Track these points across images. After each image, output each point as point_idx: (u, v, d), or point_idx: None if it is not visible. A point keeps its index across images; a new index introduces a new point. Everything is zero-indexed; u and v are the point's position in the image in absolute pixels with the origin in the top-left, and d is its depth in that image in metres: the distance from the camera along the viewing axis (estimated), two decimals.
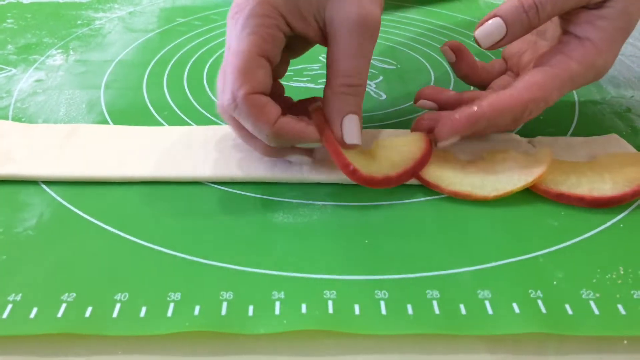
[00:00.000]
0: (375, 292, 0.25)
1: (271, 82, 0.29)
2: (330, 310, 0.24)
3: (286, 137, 0.29)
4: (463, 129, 0.31)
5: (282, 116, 0.29)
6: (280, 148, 0.30)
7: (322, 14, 0.29)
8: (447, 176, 0.31)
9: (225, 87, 0.28)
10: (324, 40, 0.30)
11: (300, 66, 0.47)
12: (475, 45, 0.31)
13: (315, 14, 0.29)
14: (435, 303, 0.24)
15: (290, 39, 0.30)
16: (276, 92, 0.33)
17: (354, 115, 0.30)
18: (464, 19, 0.59)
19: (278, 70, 0.33)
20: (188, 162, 0.32)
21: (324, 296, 0.24)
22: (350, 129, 0.29)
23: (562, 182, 0.30)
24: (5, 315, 0.23)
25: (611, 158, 0.32)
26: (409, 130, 0.36)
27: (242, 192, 0.31)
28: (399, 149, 0.31)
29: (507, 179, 0.30)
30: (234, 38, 0.28)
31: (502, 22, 0.30)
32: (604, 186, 0.30)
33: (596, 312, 0.24)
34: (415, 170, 0.31)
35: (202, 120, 0.38)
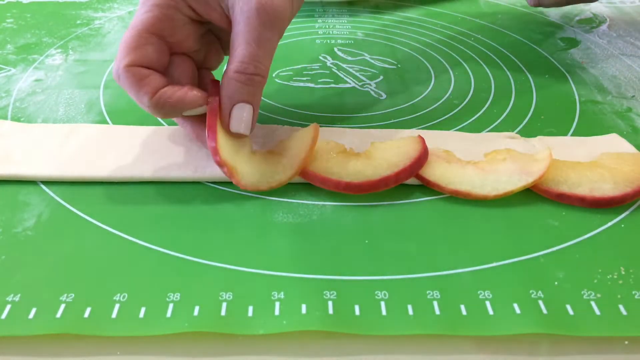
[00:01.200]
0: (376, 292, 0.25)
1: (165, 62, 0.30)
2: (331, 311, 0.24)
3: (169, 106, 0.29)
4: None
5: (166, 87, 0.29)
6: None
7: (225, 1, 0.29)
8: (447, 175, 0.31)
9: (115, 59, 0.29)
10: (230, 26, 0.30)
11: (300, 66, 0.47)
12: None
13: None
14: (435, 303, 0.24)
15: (214, 29, 0.31)
16: (202, 82, 0.33)
17: (246, 105, 0.29)
18: (464, 19, 0.59)
19: (209, 60, 0.34)
20: (185, 161, 0.32)
21: (324, 296, 0.24)
22: (238, 117, 0.29)
23: (563, 182, 0.30)
24: (4, 316, 0.23)
25: (612, 158, 0.32)
26: (404, 131, 0.36)
27: (242, 192, 0.31)
28: (395, 150, 0.31)
29: (507, 179, 0.30)
30: (135, 15, 0.30)
31: None
32: (605, 186, 0.30)
33: (597, 312, 0.24)
34: (413, 169, 0.31)
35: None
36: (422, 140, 0.32)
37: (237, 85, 0.29)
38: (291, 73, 0.45)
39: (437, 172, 0.31)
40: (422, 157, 0.31)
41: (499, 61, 0.49)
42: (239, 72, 0.29)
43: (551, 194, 0.30)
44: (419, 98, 0.42)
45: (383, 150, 0.32)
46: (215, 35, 0.34)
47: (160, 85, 0.29)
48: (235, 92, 0.29)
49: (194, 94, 0.29)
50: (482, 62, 0.49)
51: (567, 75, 0.46)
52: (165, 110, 0.29)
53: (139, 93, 0.28)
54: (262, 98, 0.41)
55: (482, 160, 0.32)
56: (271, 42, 0.29)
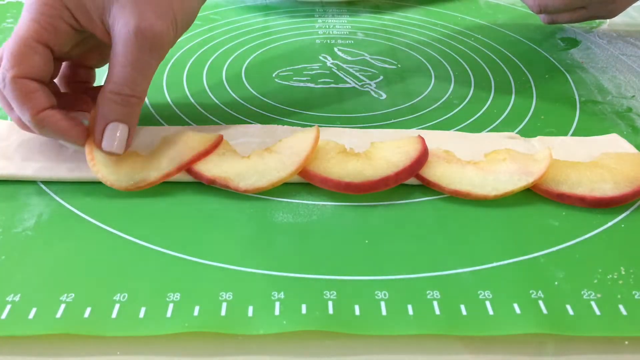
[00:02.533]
0: (376, 292, 0.25)
1: (51, 71, 0.29)
2: (331, 311, 0.24)
3: (49, 130, 0.29)
4: None
5: (52, 109, 0.29)
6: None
7: (106, 18, 0.29)
8: (447, 175, 0.31)
9: (1, 65, 0.29)
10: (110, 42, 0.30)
11: (300, 66, 0.47)
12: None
13: (100, 15, 0.29)
14: (435, 303, 0.24)
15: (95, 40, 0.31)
16: (78, 79, 0.34)
17: (120, 124, 0.29)
18: (464, 19, 0.59)
19: (90, 59, 0.34)
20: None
21: (324, 296, 0.24)
22: (110, 137, 0.29)
23: (563, 182, 0.30)
24: (4, 316, 0.23)
25: (612, 158, 0.32)
26: (404, 131, 0.36)
27: (242, 193, 0.31)
28: (395, 150, 0.31)
29: (507, 179, 0.30)
30: (20, 19, 0.29)
31: None
32: (605, 186, 0.30)
33: (597, 312, 0.24)
34: (413, 169, 0.30)
35: (201, 120, 0.38)
36: (422, 140, 0.32)
37: (112, 106, 0.29)
38: (291, 73, 0.45)
39: (437, 172, 0.31)
40: (422, 157, 0.31)
41: (499, 61, 0.49)
42: (115, 93, 0.29)
43: (551, 194, 0.30)
44: (419, 98, 0.42)
45: (383, 150, 0.32)
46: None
47: (45, 105, 0.29)
48: (110, 112, 0.29)
49: (77, 130, 0.29)
50: (482, 62, 0.49)
51: (567, 75, 0.47)
52: (44, 132, 0.29)
53: (23, 107, 0.28)
54: (262, 97, 0.41)
55: (482, 160, 0.32)
56: (149, 65, 0.29)
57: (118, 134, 0.29)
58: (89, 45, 0.33)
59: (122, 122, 0.29)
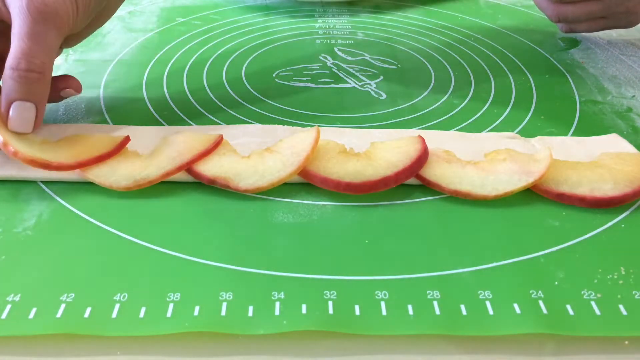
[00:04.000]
0: (376, 292, 0.25)
1: None
2: (331, 311, 0.24)
3: None
4: None
5: None
6: None
7: None
8: (447, 175, 0.31)
9: None
10: None
11: (300, 66, 0.47)
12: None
13: None
14: (435, 303, 0.24)
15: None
16: None
17: (26, 103, 0.29)
18: (464, 19, 0.59)
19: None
20: None
21: (324, 296, 0.24)
22: (15, 116, 0.29)
23: (563, 182, 0.30)
24: (4, 316, 0.23)
25: (612, 158, 0.32)
26: (404, 131, 0.36)
27: (242, 192, 0.31)
28: (395, 150, 0.31)
29: (507, 179, 0.30)
30: None
31: None
32: (605, 186, 0.30)
33: (597, 312, 0.24)
34: (414, 169, 0.30)
35: (201, 120, 0.38)
36: (422, 140, 0.32)
37: (12, 83, 0.29)
38: (291, 73, 0.45)
39: (437, 172, 0.31)
40: (422, 157, 0.31)
41: (499, 61, 0.49)
42: (12, 69, 0.29)
43: (551, 194, 0.30)
44: (419, 98, 0.42)
45: (383, 150, 0.32)
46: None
47: None
48: (12, 90, 0.29)
49: None
50: (482, 62, 0.49)
51: (567, 75, 0.47)
52: None
53: None
54: (262, 97, 0.41)
55: (482, 160, 0.32)
56: (45, 36, 0.29)
57: (24, 113, 0.29)
58: None
59: (26, 100, 0.29)
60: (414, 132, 0.36)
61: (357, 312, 0.24)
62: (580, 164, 0.32)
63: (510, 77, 0.46)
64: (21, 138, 0.30)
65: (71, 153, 0.30)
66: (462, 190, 0.30)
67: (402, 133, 0.36)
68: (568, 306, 0.24)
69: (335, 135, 0.35)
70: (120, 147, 0.31)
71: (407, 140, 0.32)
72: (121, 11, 0.59)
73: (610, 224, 0.29)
